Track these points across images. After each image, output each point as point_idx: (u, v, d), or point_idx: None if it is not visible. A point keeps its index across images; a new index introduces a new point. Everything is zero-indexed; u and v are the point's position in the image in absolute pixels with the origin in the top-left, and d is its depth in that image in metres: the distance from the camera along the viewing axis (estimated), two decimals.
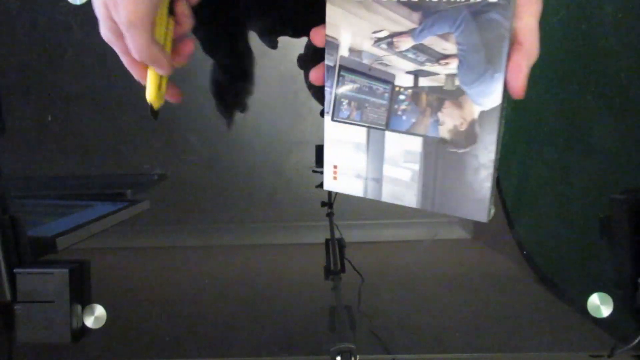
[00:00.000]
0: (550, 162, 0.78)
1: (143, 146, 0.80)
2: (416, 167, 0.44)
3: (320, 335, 0.72)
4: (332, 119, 0.45)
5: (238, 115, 0.79)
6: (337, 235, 0.76)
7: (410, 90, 0.42)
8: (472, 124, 0.41)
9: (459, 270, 0.81)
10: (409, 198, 0.45)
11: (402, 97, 0.43)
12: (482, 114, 0.40)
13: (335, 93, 0.45)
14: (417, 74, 0.42)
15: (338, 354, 0.62)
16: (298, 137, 0.79)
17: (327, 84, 0.45)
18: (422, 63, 0.42)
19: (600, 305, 0.67)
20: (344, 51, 0.44)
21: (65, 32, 0.75)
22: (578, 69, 0.76)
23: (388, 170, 0.45)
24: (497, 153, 0.40)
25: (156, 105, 0.52)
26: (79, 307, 0.66)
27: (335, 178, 0.47)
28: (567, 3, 0.74)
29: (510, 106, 0.78)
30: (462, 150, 0.41)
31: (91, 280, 0.68)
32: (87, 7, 0.72)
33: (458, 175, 0.42)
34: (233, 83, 0.78)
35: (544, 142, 0.78)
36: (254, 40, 0.76)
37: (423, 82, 0.42)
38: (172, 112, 0.81)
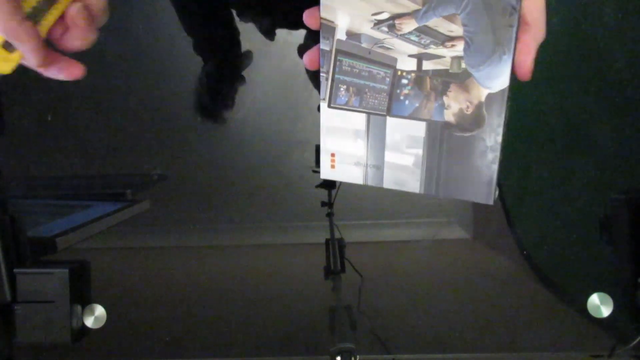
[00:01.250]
0: (550, 162, 0.78)
1: (143, 146, 0.80)
2: (419, 152, 0.43)
3: (320, 335, 0.72)
4: (329, 106, 0.44)
5: (238, 115, 0.79)
6: (337, 235, 0.76)
7: (413, 74, 0.41)
8: (479, 107, 0.40)
9: (459, 270, 0.81)
10: (412, 184, 0.44)
11: (404, 81, 0.42)
12: (490, 96, 0.40)
13: (332, 78, 0.43)
14: (420, 58, 0.41)
15: (338, 354, 0.62)
16: (298, 137, 0.79)
17: (322, 70, 0.43)
18: (426, 46, 0.40)
19: (600, 305, 0.67)
20: (340, 34, 0.42)
21: None
22: (578, 69, 0.76)
23: (390, 157, 0.44)
24: (503, 135, 0.40)
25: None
26: (79, 307, 0.66)
27: (333, 166, 0.46)
28: (567, 3, 0.74)
29: (510, 105, 0.78)
30: (468, 134, 0.41)
31: (91, 280, 0.68)
32: None
33: (464, 158, 0.41)
34: (226, 77, 0.77)
35: (544, 142, 0.78)
36: (252, 36, 0.76)
37: (427, 65, 0.41)
38: (172, 112, 0.81)
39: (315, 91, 0.74)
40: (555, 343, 0.72)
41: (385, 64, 0.42)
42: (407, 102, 0.42)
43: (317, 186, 0.76)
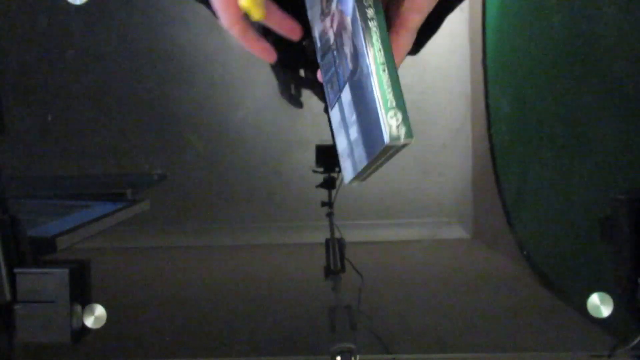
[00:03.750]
0: (550, 162, 0.78)
1: (143, 146, 0.80)
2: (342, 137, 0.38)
3: (320, 335, 0.72)
4: (324, 110, 0.43)
5: (238, 115, 0.79)
6: (337, 235, 0.76)
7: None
8: (349, 37, 0.36)
9: (459, 270, 0.81)
10: (348, 168, 0.39)
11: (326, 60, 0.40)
12: (349, 20, 0.36)
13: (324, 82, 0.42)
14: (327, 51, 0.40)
15: (338, 354, 0.62)
16: (298, 137, 0.79)
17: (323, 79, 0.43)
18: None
19: (600, 305, 0.67)
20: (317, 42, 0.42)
21: (65, 32, 0.75)
22: (578, 69, 0.76)
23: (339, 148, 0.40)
24: (378, 61, 0.34)
25: (255, 14, 0.42)
26: (79, 307, 0.66)
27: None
28: (567, 3, 0.74)
29: (510, 104, 0.78)
30: (356, 76, 0.36)
31: (91, 280, 0.68)
32: (87, 7, 0.72)
33: (362, 104, 0.36)
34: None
35: (544, 142, 0.78)
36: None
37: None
38: (172, 112, 0.81)
39: (314, 92, 0.74)
40: (555, 343, 0.72)
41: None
42: (329, 89, 0.40)
43: (317, 186, 0.76)
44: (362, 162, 0.36)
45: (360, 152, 0.36)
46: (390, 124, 0.33)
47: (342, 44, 0.37)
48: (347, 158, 0.38)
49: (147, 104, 0.80)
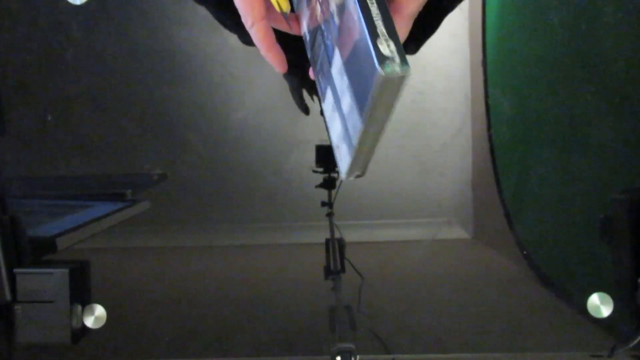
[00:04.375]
0: (550, 162, 0.78)
1: (143, 146, 0.80)
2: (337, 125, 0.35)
3: (320, 335, 0.72)
4: (321, 113, 0.43)
5: (238, 116, 0.79)
6: (337, 235, 0.76)
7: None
8: (337, 4, 0.33)
9: (459, 270, 0.81)
10: (344, 153, 0.35)
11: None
12: None
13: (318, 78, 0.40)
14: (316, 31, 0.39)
15: (338, 354, 0.62)
16: (298, 137, 0.79)
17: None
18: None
19: (600, 305, 0.67)
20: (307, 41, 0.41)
21: (65, 32, 0.75)
22: (578, 69, 0.76)
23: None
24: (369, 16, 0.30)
25: (284, 5, 0.41)
26: (79, 307, 0.66)
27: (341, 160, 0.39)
28: (567, 3, 0.74)
29: (510, 104, 0.78)
30: (344, 26, 0.32)
31: (91, 280, 0.68)
32: (87, 7, 0.72)
33: (352, 52, 0.31)
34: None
35: (544, 142, 0.78)
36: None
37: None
38: (172, 112, 0.81)
39: (313, 92, 0.74)
40: (555, 343, 0.72)
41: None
42: (321, 81, 0.38)
43: (317, 186, 0.76)
44: (357, 127, 0.31)
45: (354, 118, 0.31)
46: (382, 51, 0.28)
47: (328, 8, 0.35)
48: (342, 141, 0.33)
49: (147, 103, 0.80)
